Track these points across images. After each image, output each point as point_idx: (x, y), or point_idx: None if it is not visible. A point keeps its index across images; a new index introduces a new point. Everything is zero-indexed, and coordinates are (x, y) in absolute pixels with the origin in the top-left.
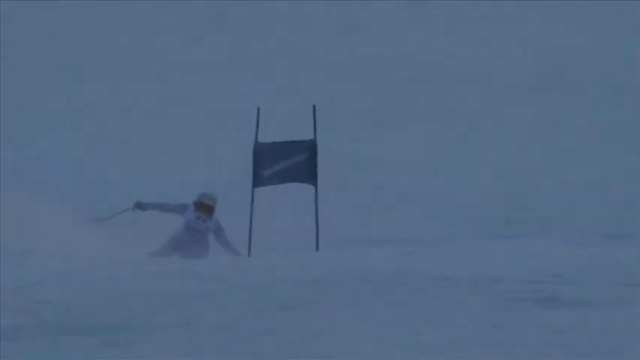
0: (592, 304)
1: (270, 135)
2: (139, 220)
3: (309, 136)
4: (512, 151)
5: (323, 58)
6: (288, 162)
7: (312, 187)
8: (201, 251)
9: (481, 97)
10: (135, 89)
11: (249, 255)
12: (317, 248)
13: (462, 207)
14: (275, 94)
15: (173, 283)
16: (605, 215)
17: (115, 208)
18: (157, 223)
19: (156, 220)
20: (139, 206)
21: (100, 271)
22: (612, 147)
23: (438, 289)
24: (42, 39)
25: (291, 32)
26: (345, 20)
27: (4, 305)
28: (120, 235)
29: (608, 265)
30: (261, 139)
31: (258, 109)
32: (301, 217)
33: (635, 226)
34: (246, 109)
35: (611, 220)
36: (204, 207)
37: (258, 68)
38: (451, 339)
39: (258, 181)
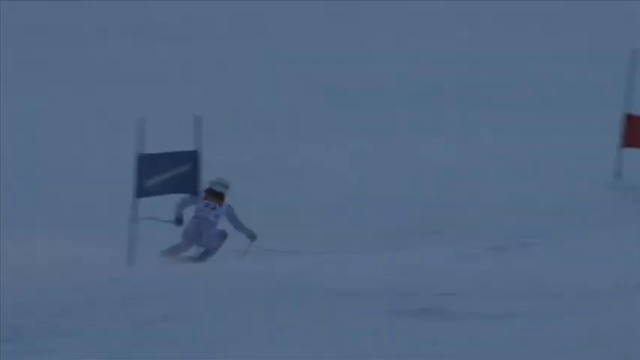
0: (476, 317)
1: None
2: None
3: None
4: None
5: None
6: (170, 173)
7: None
8: (209, 241)
9: (390, 103)
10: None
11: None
12: (198, 259)
13: (364, 217)
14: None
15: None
16: (497, 227)
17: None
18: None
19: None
20: (178, 222)
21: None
22: (518, 159)
23: (325, 300)
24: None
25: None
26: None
27: None
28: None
29: (497, 278)
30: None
31: (142, 119)
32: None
33: (520, 239)
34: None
35: (502, 231)
36: (214, 194)
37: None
38: (335, 352)
39: (140, 191)
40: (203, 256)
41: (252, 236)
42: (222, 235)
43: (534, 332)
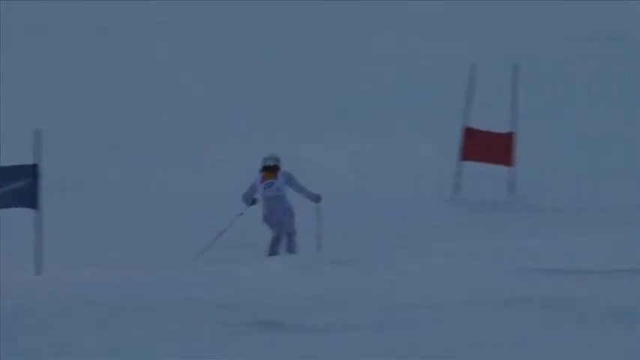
0: (314, 330)
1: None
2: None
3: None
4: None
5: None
6: (8, 187)
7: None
8: (281, 217)
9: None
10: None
11: None
12: (38, 271)
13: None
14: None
15: None
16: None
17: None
18: None
19: None
20: (254, 202)
21: None
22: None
23: (160, 313)
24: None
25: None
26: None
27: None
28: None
29: (332, 291)
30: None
31: None
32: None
33: (357, 251)
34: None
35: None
36: (268, 169)
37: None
38: None
39: None
40: (289, 247)
41: (316, 198)
42: (291, 214)
43: (368, 345)
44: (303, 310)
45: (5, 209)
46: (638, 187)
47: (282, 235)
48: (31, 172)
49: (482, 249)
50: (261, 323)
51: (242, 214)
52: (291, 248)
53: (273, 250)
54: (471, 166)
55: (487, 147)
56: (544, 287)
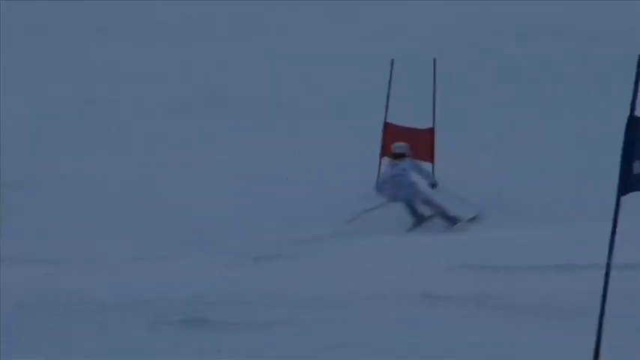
0: (239, 326)
1: None
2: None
3: None
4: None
5: None
6: None
7: None
8: (405, 193)
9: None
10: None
11: None
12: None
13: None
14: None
15: None
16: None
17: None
18: None
19: None
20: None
21: None
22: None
23: (83, 311)
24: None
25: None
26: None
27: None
28: None
29: (255, 287)
30: None
31: None
32: None
33: (281, 249)
34: None
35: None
36: (397, 156)
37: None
38: None
39: None
40: (446, 218)
41: (433, 184)
42: (417, 191)
43: (293, 340)
44: (226, 306)
45: None
46: (572, 185)
47: (416, 201)
48: None
49: (411, 245)
50: (186, 320)
51: (383, 205)
52: (447, 217)
53: (416, 217)
54: None
55: (408, 143)
56: (471, 284)
